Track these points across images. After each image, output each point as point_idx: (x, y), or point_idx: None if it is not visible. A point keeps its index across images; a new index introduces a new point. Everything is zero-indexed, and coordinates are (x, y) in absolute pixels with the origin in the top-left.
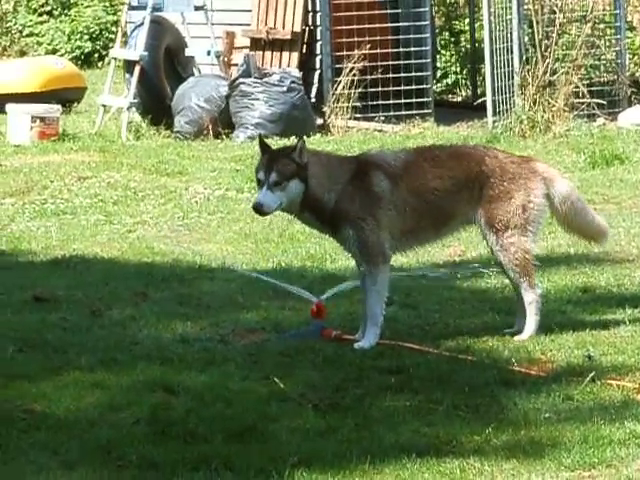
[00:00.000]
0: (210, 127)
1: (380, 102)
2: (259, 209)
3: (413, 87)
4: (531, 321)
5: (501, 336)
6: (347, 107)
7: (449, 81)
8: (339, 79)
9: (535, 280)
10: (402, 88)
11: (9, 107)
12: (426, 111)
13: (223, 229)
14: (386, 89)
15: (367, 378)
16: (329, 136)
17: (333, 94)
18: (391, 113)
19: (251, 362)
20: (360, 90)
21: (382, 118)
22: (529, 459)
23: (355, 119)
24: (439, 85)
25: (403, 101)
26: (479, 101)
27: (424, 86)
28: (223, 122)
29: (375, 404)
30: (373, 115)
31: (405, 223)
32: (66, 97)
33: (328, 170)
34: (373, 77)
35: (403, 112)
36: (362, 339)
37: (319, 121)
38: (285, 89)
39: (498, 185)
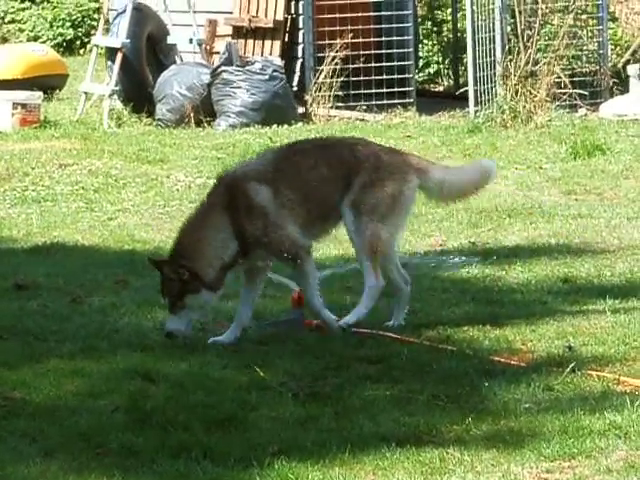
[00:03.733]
0: (192, 115)
1: (362, 91)
2: (170, 337)
3: (395, 76)
4: (359, 309)
5: (481, 325)
6: (329, 96)
7: (431, 70)
8: (321, 68)
9: (379, 271)
10: (384, 77)
11: None
12: (408, 100)
13: None
14: (368, 78)
15: (347, 367)
16: (311, 125)
17: (315, 83)
18: (373, 102)
19: (231, 351)
20: (342, 79)
21: (364, 107)
22: (509, 449)
23: (337, 108)
24: (421, 74)
25: (385, 90)
26: (461, 91)
27: (406, 75)
28: (205, 110)
29: (355, 393)
30: (355, 104)
31: (299, 217)
32: (48, 84)
33: (205, 246)
34: (355, 66)
35: (385, 101)
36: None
37: (301, 110)
38: (267, 77)
39: (372, 172)
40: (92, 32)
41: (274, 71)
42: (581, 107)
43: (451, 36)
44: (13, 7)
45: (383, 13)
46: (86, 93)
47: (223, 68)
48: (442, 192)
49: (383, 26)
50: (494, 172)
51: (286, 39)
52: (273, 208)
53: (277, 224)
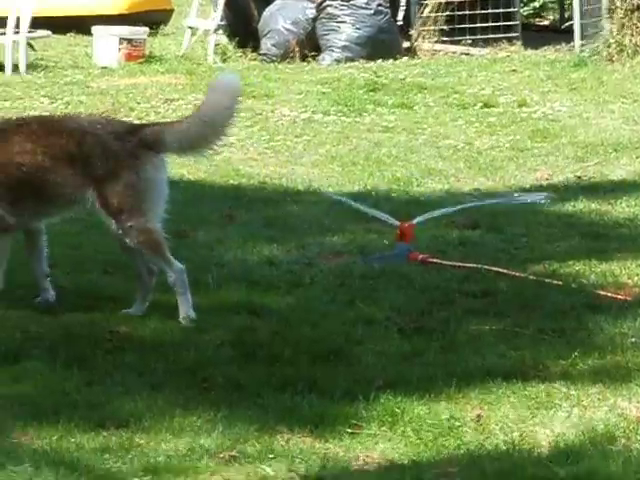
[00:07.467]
0: (297, 50)
1: (467, 25)
2: None
3: (500, 10)
4: (181, 301)
5: (587, 260)
6: (434, 30)
7: (537, 4)
8: (426, 2)
9: (170, 257)
10: (489, 11)
11: (95, 29)
12: (513, 35)
13: (309, 152)
14: (473, 12)
15: (453, 302)
16: (415, 59)
17: (420, 17)
18: (478, 36)
19: (337, 285)
20: (447, 13)
21: (469, 41)
22: (615, 383)
23: (442, 42)
24: (526, 8)
25: (490, 24)
26: (567, 25)
27: (511, 9)
28: (309, 45)
29: (461, 328)
30: (460, 38)
31: (6, 196)
32: (153, 19)
33: None
34: (460, 0)
35: (490, 35)
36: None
37: (406, 44)
38: (372, 12)
39: (102, 165)
40: None
41: (379, 5)
42: None
43: None
44: None
45: None
46: (191, 28)
47: (328, 2)
48: (187, 146)
49: None
50: (237, 87)
51: None
52: None
53: None
